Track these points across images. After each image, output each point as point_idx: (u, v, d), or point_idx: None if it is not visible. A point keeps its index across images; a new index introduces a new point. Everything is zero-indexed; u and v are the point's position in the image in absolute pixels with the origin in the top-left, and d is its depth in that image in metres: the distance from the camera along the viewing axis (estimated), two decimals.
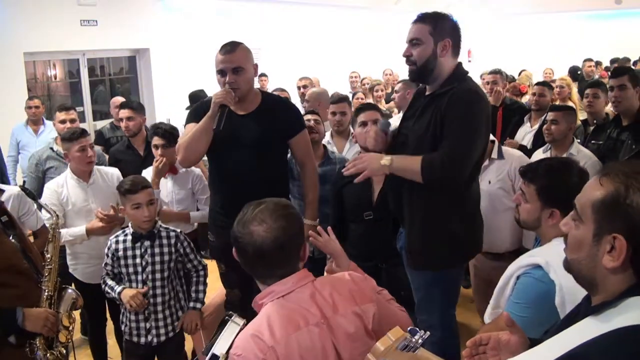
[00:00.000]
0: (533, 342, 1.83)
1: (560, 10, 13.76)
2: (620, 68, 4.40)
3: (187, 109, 5.82)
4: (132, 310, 2.76)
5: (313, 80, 8.10)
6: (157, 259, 2.81)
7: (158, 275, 2.80)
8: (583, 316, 1.22)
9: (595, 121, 4.40)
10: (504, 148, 3.43)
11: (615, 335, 1.10)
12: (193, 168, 3.77)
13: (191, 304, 2.87)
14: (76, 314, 2.95)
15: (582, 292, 1.74)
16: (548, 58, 12.34)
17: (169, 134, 3.62)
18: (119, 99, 5.64)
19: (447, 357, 2.70)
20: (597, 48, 12.25)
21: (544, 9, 13.88)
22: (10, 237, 2.31)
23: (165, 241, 2.84)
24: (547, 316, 1.82)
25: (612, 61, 10.73)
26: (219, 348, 1.57)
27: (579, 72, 9.35)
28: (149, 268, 2.79)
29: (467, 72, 2.62)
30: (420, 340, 1.36)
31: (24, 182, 5.20)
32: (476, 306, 3.59)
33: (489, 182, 3.24)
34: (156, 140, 3.60)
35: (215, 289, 4.75)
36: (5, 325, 2.22)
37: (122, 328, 2.89)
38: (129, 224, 2.89)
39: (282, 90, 5.54)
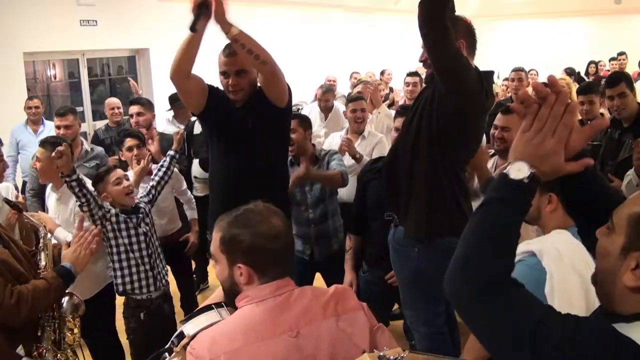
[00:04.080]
0: None
1: (559, 11, 13.77)
2: (615, 76, 4.27)
3: (167, 110, 5.81)
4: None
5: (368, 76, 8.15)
6: (147, 220, 3.22)
7: (153, 230, 3.26)
8: None
9: (589, 122, 4.35)
10: None
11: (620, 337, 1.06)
12: None
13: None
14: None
15: (573, 284, 1.76)
16: (548, 60, 12.35)
17: (141, 135, 3.83)
18: (113, 100, 5.67)
19: (439, 350, 2.73)
20: (597, 49, 12.26)
21: (543, 11, 13.89)
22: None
23: (140, 207, 3.23)
24: None
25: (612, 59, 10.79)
26: (190, 329, 1.57)
27: (571, 76, 9.34)
28: (149, 232, 3.19)
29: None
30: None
31: (24, 182, 5.21)
32: None
33: None
34: (130, 142, 3.74)
35: (214, 288, 4.75)
36: (68, 281, 2.34)
37: (134, 296, 3.14)
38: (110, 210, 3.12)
39: None
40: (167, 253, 3.50)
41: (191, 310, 3.96)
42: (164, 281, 3.22)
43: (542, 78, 8.98)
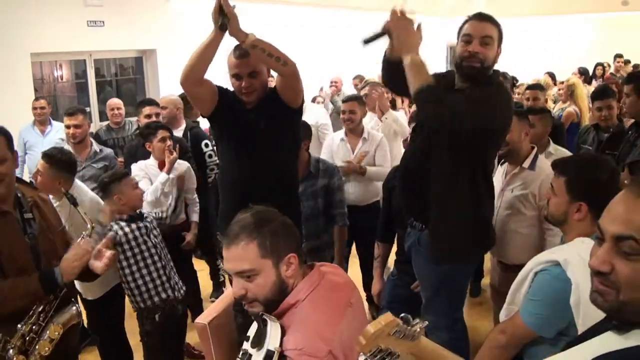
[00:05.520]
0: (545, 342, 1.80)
1: (566, 12, 13.71)
2: (636, 74, 4.16)
3: None
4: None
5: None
6: (156, 232, 3.21)
7: (163, 244, 3.25)
8: (605, 330, 1.15)
9: (611, 129, 4.13)
10: (540, 160, 3.12)
11: (632, 351, 1.04)
12: (182, 162, 4.09)
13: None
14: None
15: None
16: (553, 60, 12.30)
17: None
18: (115, 101, 5.70)
19: None
20: (605, 50, 12.19)
21: (549, 11, 13.83)
22: (27, 234, 2.23)
23: (146, 216, 3.25)
24: (562, 315, 1.80)
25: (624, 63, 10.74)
26: (272, 344, 1.55)
27: (583, 75, 9.34)
28: (159, 238, 3.20)
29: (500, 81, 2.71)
30: (417, 329, 1.36)
31: (31, 182, 5.20)
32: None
33: (512, 191, 3.07)
34: (163, 133, 3.92)
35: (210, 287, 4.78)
36: (50, 287, 2.19)
37: (155, 302, 3.10)
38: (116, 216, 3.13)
39: None
40: (172, 241, 3.64)
41: (198, 308, 3.99)
42: (182, 291, 3.26)
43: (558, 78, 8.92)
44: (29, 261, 2.20)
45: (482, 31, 2.50)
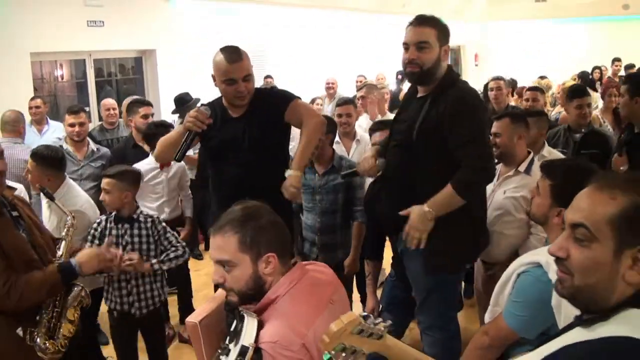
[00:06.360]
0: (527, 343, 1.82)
1: (568, 15, 13.72)
2: (632, 75, 4.16)
3: (173, 112, 5.88)
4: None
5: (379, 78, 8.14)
6: (136, 239, 3.03)
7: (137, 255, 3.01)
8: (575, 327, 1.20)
9: (583, 130, 4.12)
10: (536, 165, 3.04)
11: (596, 343, 1.10)
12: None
13: (152, 260, 3.03)
14: None
15: None
16: (555, 63, 12.30)
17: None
18: (109, 101, 5.74)
19: (447, 357, 2.73)
20: (605, 54, 12.21)
21: (550, 14, 13.84)
22: (21, 231, 2.35)
23: (143, 225, 3.06)
24: (544, 317, 1.82)
25: (627, 67, 10.74)
26: (247, 340, 1.58)
27: (581, 79, 9.32)
28: (128, 247, 2.99)
29: (458, 75, 2.67)
30: (382, 328, 1.38)
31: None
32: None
33: (504, 193, 3.05)
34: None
35: (207, 284, 4.80)
36: (68, 279, 2.37)
37: (109, 305, 3.09)
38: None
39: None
40: None
41: (189, 308, 4.01)
42: (143, 310, 3.10)
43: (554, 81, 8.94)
44: (32, 255, 2.31)
45: (418, 37, 2.55)
